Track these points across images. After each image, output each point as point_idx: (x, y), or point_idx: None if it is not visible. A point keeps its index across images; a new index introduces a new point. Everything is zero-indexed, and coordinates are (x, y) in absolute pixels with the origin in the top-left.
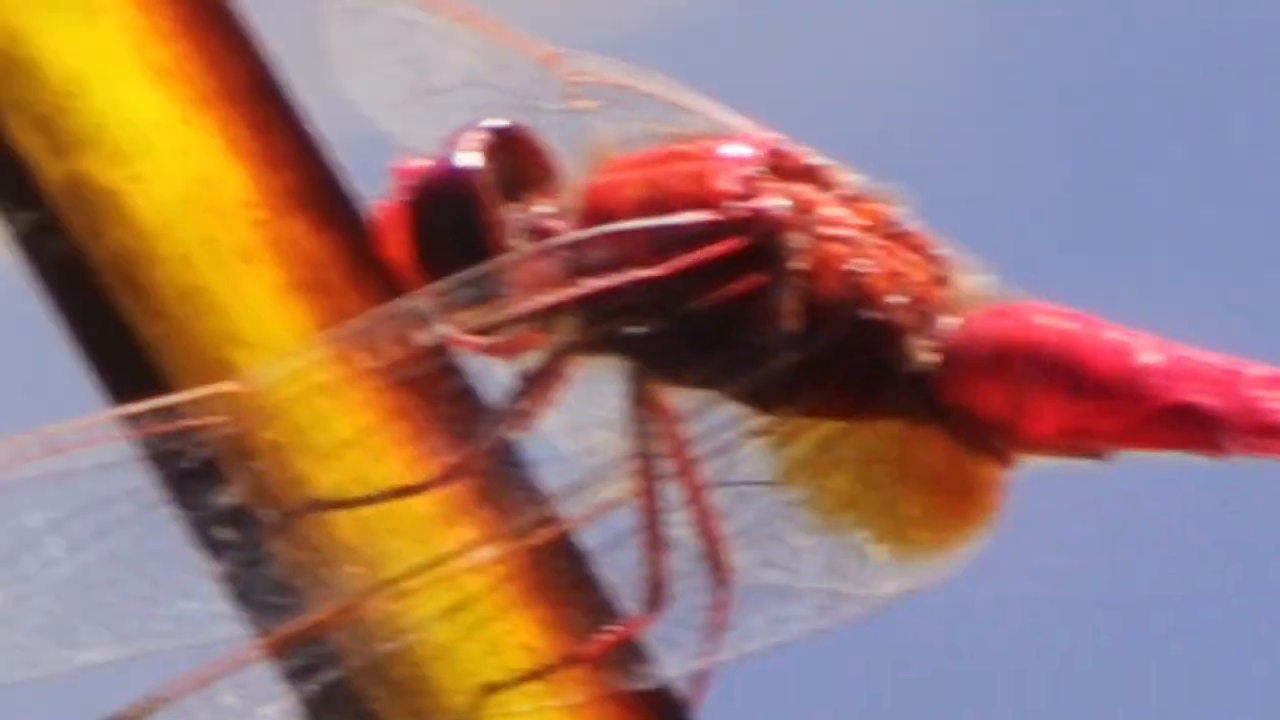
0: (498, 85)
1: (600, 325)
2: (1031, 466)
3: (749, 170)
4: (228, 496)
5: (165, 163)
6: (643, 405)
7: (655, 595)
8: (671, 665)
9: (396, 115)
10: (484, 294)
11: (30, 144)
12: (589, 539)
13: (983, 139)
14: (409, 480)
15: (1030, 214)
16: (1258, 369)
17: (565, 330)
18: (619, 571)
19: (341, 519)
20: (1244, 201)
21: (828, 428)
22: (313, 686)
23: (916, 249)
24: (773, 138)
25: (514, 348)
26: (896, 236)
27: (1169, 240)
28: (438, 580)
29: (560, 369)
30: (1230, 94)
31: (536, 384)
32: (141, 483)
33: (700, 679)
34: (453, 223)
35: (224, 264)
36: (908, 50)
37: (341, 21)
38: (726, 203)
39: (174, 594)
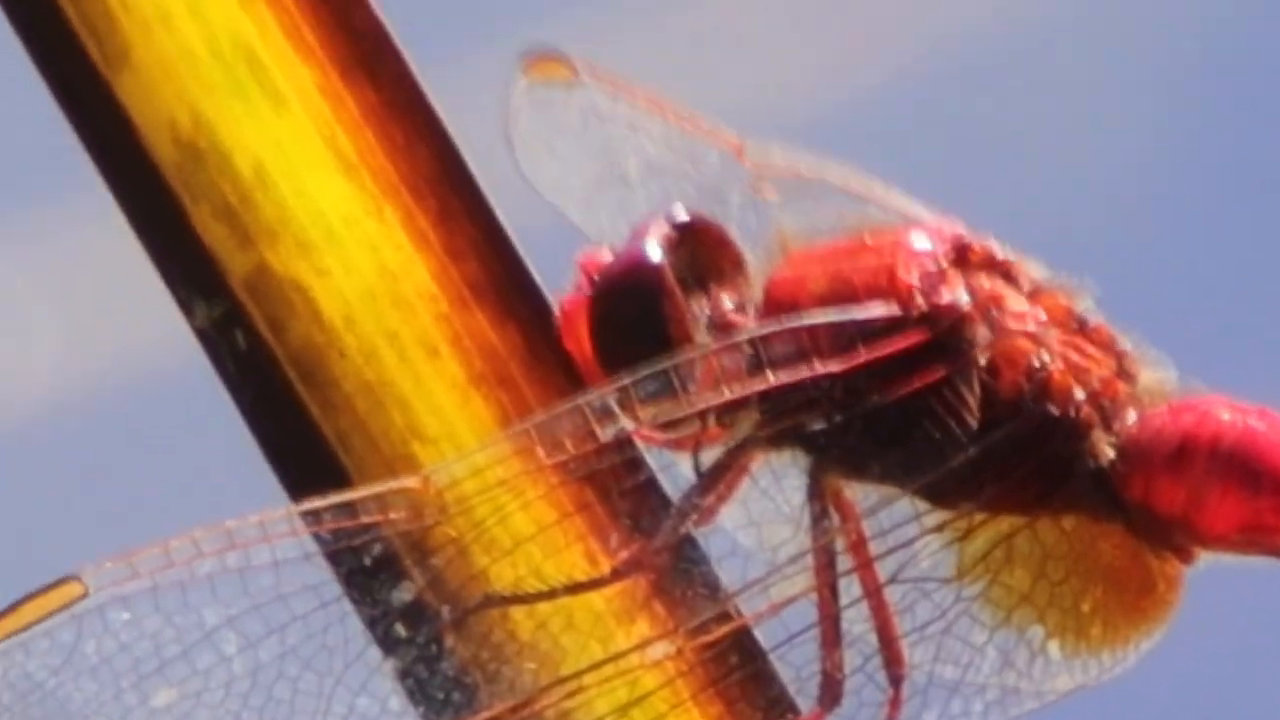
0: (685, 175)
1: (782, 420)
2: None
3: (933, 264)
4: (406, 593)
5: (350, 255)
6: (823, 500)
7: (831, 693)
8: None
9: (582, 205)
10: (667, 388)
11: (215, 234)
12: (766, 635)
13: (1165, 228)
14: (587, 575)
15: (1213, 307)
16: None
17: (747, 424)
18: (794, 668)
19: (518, 615)
20: None
21: (1008, 523)
22: None
23: (1099, 343)
24: (958, 229)
25: (696, 442)
26: (1079, 330)
27: None
28: (613, 676)
29: (742, 463)
30: None
31: (718, 479)
32: (319, 579)
33: None
34: (636, 315)
35: (407, 358)
36: (1094, 139)
37: (529, 109)
38: (911, 295)
39: (351, 692)
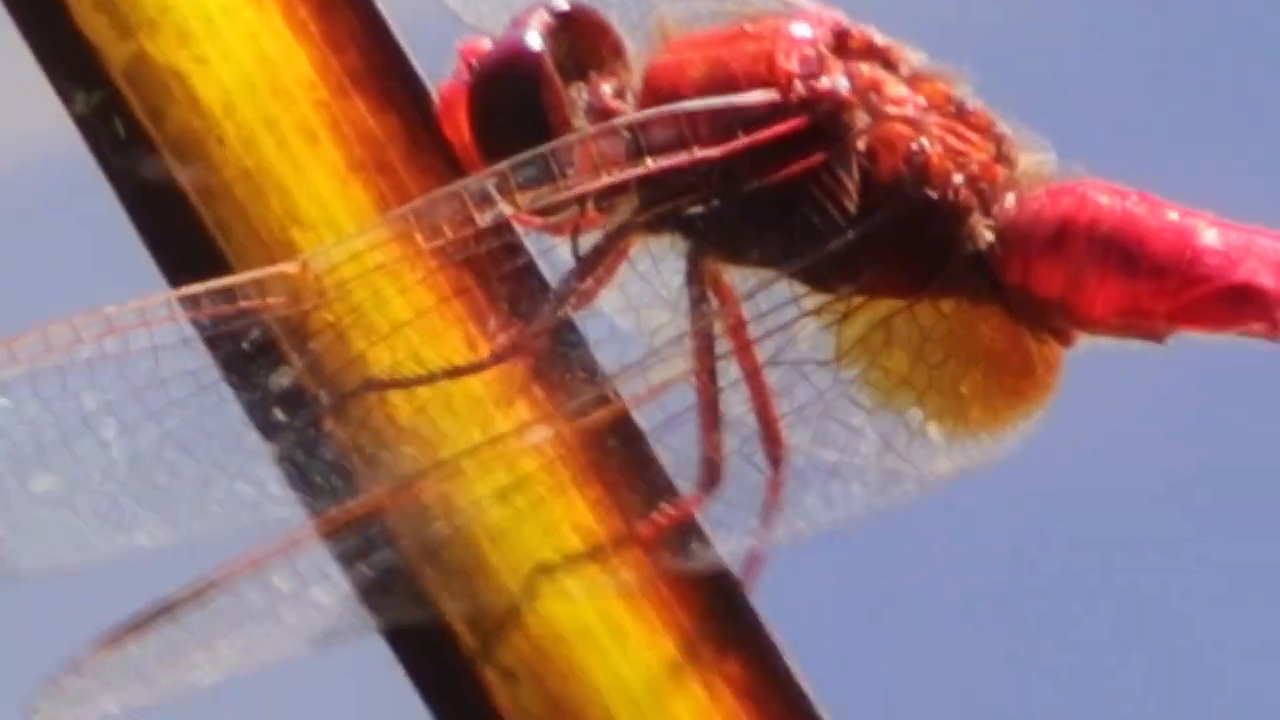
0: None
1: (661, 205)
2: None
3: (812, 49)
4: (284, 378)
5: (230, 44)
6: (701, 284)
7: (710, 475)
8: (726, 545)
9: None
10: (545, 174)
11: (94, 25)
12: (645, 418)
13: (1046, 16)
14: (466, 360)
15: (1095, 91)
16: None
17: (625, 210)
18: (674, 451)
19: (397, 400)
20: None
21: (886, 306)
22: (366, 569)
23: (978, 128)
24: (836, 17)
25: (574, 227)
26: (958, 115)
27: (1238, 119)
28: (493, 461)
29: (620, 248)
30: None
31: (596, 263)
32: (198, 364)
33: (755, 559)
34: (515, 103)
35: (286, 145)
36: None
37: None
38: (790, 82)
39: (229, 476)
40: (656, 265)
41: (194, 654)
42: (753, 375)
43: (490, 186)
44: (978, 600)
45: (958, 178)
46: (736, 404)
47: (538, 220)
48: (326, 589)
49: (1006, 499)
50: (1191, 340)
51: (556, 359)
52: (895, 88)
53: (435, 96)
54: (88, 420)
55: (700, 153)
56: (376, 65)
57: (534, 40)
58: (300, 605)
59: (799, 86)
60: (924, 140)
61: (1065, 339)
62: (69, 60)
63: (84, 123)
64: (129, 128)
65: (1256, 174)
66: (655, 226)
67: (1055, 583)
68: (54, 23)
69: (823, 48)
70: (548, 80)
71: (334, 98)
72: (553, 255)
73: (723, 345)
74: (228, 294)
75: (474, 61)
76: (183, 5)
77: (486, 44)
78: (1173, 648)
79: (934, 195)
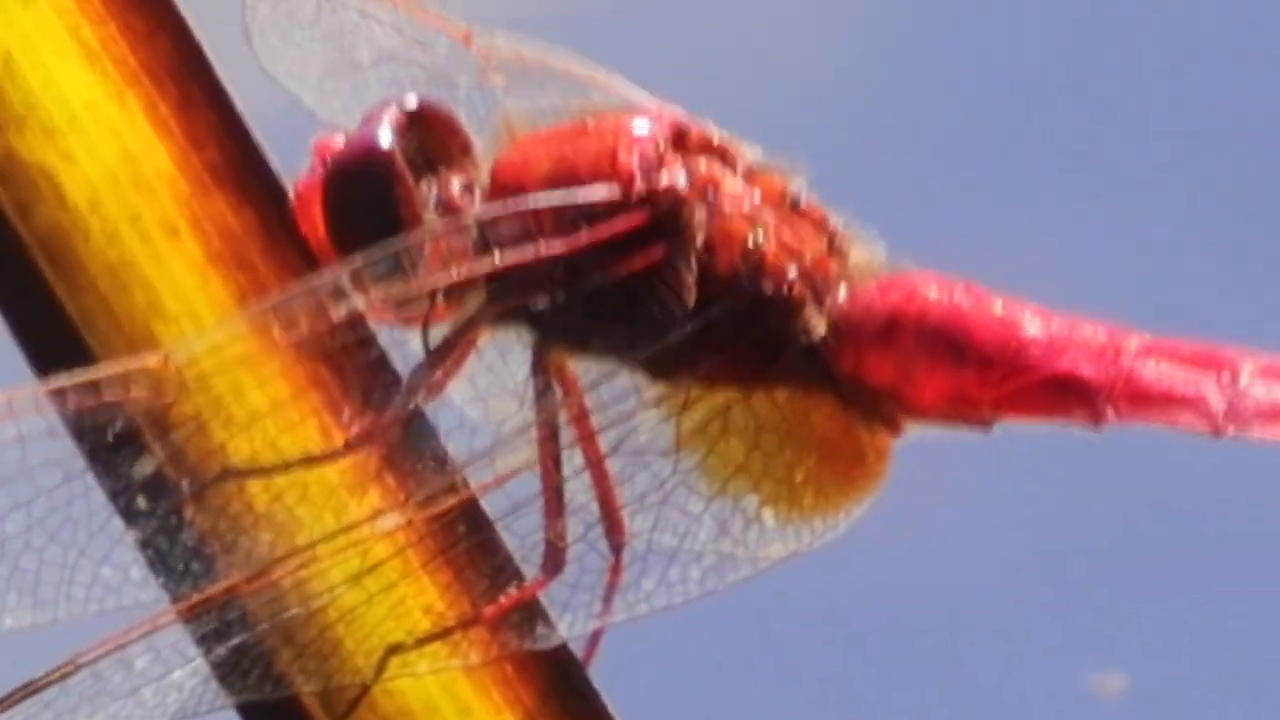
0: (415, 61)
1: (507, 298)
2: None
3: (652, 147)
4: (147, 467)
5: (94, 140)
6: (546, 375)
7: (553, 559)
8: (567, 626)
9: (317, 92)
10: (397, 268)
11: None
12: (491, 505)
13: (875, 111)
14: (320, 449)
15: (928, 182)
16: (1139, 338)
17: (474, 303)
18: (519, 537)
19: (255, 488)
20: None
21: (723, 396)
22: (224, 650)
23: (812, 222)
24: (676, 115)
25: (425, 320)
26: (793, 210)
27: (1065, 210)
28: (345, 546)
29: (468, 340)
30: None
31: (445, 355)
32: (64, 454)
33: (594, 640)
34: (367, 198)
35: (149, 239)
36: (807, 32)
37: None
38: (631, 178)
39: (93, 562)
40: (504, 356)
41: None
42: (596, 464)
43: (344, 281)
44: (811, 683)
45: (792, 272)
46: (580, 491)
47: (391, 314)
48: (186, 670)
49: (838, 584)
50: (1017, 429)
51: (408, 448)
52: (732, 183)
53: (291, 192)
54: None
55: (545, 248)
56: (235, 161)
57: (385, 137)
58: (160, 685)
59: (640, 183)
60: (759, 235)
61: (895, 427)
62: None
63: None
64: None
65: (1081, 261)
66: (502, 319)
67: (886, 669)
68: None
69: (663, 144)
70: (399, 176)
71: (194, 193)
72: (405, 349)
73: (567, 434)
74: (93, 387)
75: (328, 158)
76: (48, 101)
77: (340, 140)
78: None
79: (769, 289)
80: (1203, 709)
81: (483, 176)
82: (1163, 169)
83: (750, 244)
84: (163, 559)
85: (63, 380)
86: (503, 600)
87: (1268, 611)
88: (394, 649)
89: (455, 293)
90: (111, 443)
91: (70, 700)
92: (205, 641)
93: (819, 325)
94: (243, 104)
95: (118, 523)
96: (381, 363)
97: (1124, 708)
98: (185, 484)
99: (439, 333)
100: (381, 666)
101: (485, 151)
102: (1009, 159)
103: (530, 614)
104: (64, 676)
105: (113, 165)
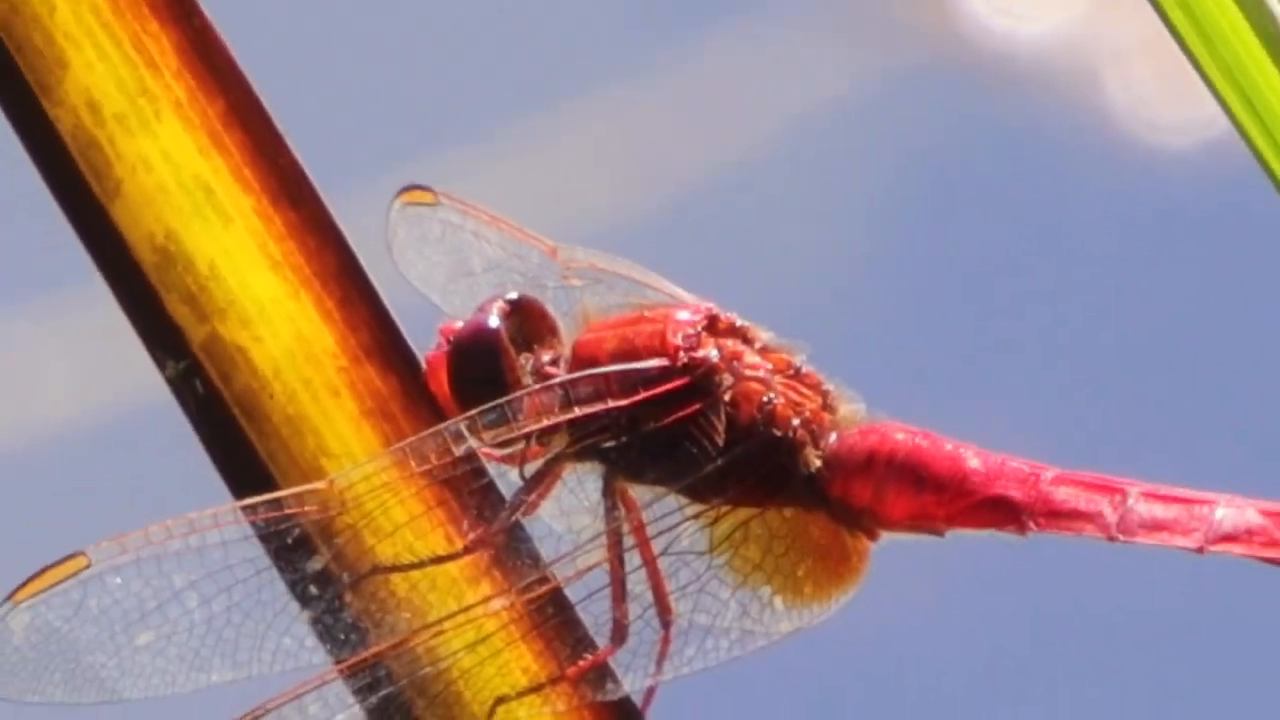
0: (514, 269)
1: (583, 441)
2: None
3: (692, 329)
4: (316, 563)
5: (277, 326)
6: (613, 497)
7: (619, 633)
8: (629, 683)
9: (441, 291)
10: (502, 419)
11: (180, 312)
12: (572, 593)
13: (866, 310)
14: (446, 551)
15: (897, 359)
16: (1053, 470)
17: (559, 444)
18: (593, 616)
19: (397, 580)
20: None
21: (744, 512)
22: (375, 699)
23: (810, 385)
24: (710, 306)
25: (522, 458)
26: (796, 376)
27: (998, 376)
28: (464, 623)
29: (555, 472)
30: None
31: (538, 483)
32: (255, 553)
33: (649, 692)
34: (480, 366)
35: (317, 399)
36: (805, 250)
37: (403, 224)
38: (676, 353)
39: (277, 633)
40: (581, 483)
41: None
42: (650, 563)
43: (463, 428)
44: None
45: (795, 421)
46: (638, 583)
47: (497, 453)
48: (346, 714)
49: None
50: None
51: (510, 551)
52: (751, 356)
53: (423, 363)
54: (176, 594)
55: (612, 404)
56: (381, 341)
57: (493, 321)
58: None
59: (682, 356)
60: (771, 395)
61: (872, 535)
62: (162, 337)
63: (173, 383)
64: (206, 387)
65: (1012, 414)
66: (580, 457)
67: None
68: (151, 309)
69: (699, 328)
70: (504, 350)
71: (351, 365)
72: (507, 478)
73: (629, 540)
74: (276, 504)
75: (450, 337)
76: (243, 298)
77: (458, 324)
78: None
79: (778, 434)
80: None
81: (566, 352)
82: (1071, 349)
83: (764, 401)
84: (329, 632)
85: (255, 500)
86: (581, 663)
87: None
88: (500, 700)
89: (545, 437)
90: (290, 545)
91: None
92: (361, 693)
93: (815, 461)
94: (388, 299)
95: (295, 605)
96: (491, 488)
97: None
98: (345, 577)
99: (532, 467)
100: (491, 713)
101: (568, 333)
102: (960, 337)
103: (601, 674)
104: (256, 718)
105: (290, 345)
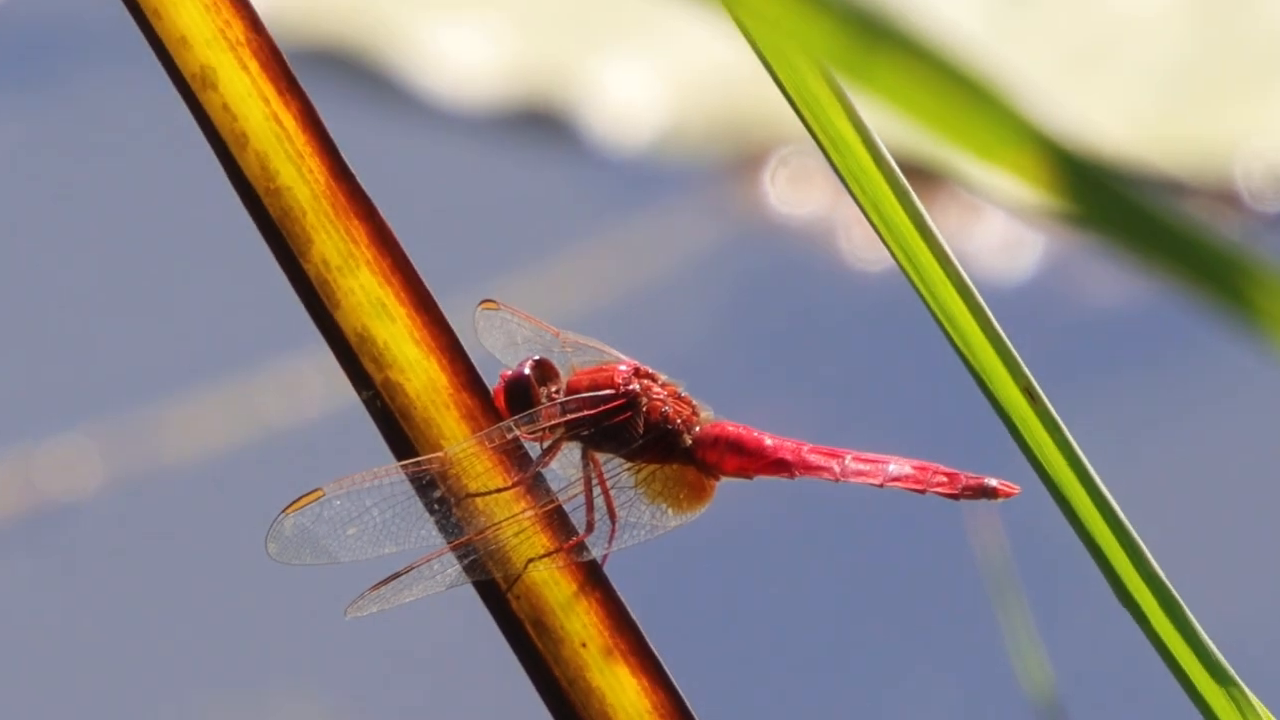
0: (537, 343)
1: (571, 432)
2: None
3: (627, 374)
4: (438, 493)
5: (418, 374)
6: (586, 458)
7: (589, 527)
8: (595, 553)
9: (501, 354)
10: (531, 420)
11: (370, 366)
12: (567, 508)
13: (718, 364)
14: (500, 485)
15: (743, 389)
16: (808, 444)
17: (558, 433)
18: (576, 519)
19: (479, 501)
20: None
21: (652, 467)
22: (465, 562)
23: (686, 402)
24: (636, 362)
25: (541, 439)
26: (678, 397)
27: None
28: (511, 522)
29: (557, 447)
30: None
31: (549, 453)
32: (407, 489)
33: (604, 558)
34: (520, 395)
35: (439, 411)
36: (683, 329)
37: (482, 319)
38: (618, 385)
39: (417, 529)
40: (570, 452)
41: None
42: (606, 493)
43: (511, 424)
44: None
45: (679, 421)
46: (600, 504)
47: (529, 437)
48: (453, 570)
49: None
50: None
51: (535, 486)
52: (656, 388)
53: (491, 392)
54: (367, 509)
55: (586, 413)
56: (470, 381)
57: (527, 370)
58: (441, 576)
59: (622, 387)
60: (667, 408)
61: (717, 478)
62: (360, 378)
63: (367, 403)
64: (384, 406)
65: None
66: (570, 439)
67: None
68: (354, 365)
69: (631, 373)
70: (533, 386)
71: (455, 393)
72: (534, 449)
73: (594, 481)
74: (418, 463)
75: (504, 378)
76: (400, 359)
77: (509, 371)
78: None
79: (670, 428)
80: None
81: (564, 386)
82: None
83: (663, 411)
84: (443, 527)
85: (407, 461)
86: (569, 542)
87: None
88: (529, 560)
89: (552, 429)
90: (424, 484)
91: (401, 582)
92: (459, 558)
93: (688, 441)
94: (475, 360)
95: (426, 514)
96: (526, 455)
97: None
98: (452, 500)
99: (546, 444)
100: (524, 568)
101: (564, 377)
102: (767, 391)
103: (580, 548)
104: (407, 570)
105: (424, 384)
